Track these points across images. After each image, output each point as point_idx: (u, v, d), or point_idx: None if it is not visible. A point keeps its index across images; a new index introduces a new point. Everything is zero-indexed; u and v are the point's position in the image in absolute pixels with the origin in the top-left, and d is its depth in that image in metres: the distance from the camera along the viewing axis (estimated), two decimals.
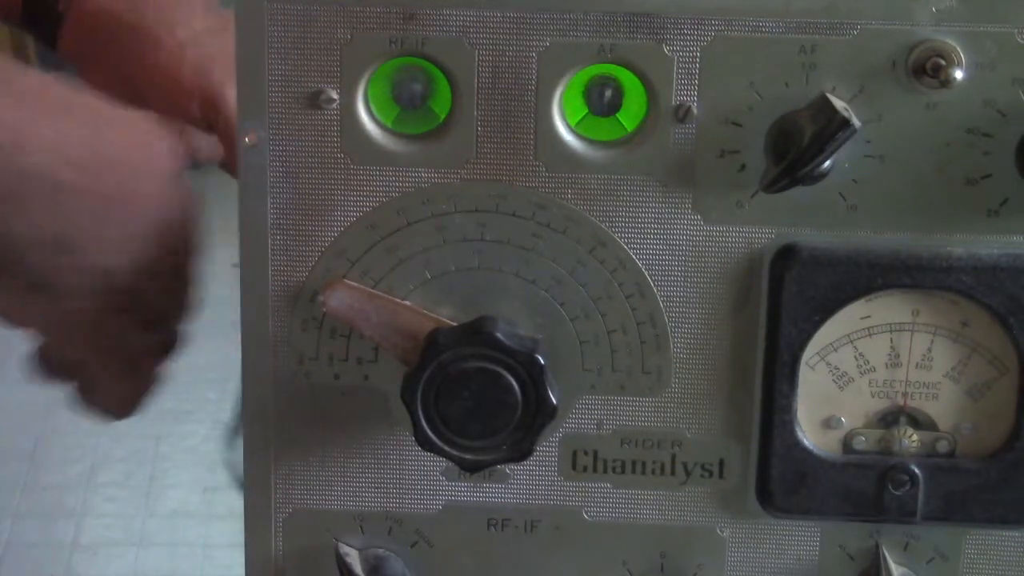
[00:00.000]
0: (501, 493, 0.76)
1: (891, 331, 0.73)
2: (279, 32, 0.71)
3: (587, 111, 0.72)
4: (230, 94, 0.86)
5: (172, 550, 2.35)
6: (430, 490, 0.77)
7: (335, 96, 0.72)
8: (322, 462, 0.76)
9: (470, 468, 0.73)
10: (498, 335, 0.71)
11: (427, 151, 0.72)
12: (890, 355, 0.74)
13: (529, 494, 0.76)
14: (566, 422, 0.75)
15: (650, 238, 0.73)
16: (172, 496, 2.49)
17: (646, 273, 0.73)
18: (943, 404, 0.74)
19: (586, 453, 0.76)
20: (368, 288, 0.74)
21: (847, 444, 0.75)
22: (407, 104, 0.72)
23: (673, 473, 0.76)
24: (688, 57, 0.70)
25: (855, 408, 0.75)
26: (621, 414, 0.75)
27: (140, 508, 2.45)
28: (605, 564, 0.77)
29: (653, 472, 0.76)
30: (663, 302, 0.73)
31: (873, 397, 0.74)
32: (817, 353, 0.74)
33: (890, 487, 0.74)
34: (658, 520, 0.76)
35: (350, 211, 0.73)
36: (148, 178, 0.77)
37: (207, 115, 0.88)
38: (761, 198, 0.72)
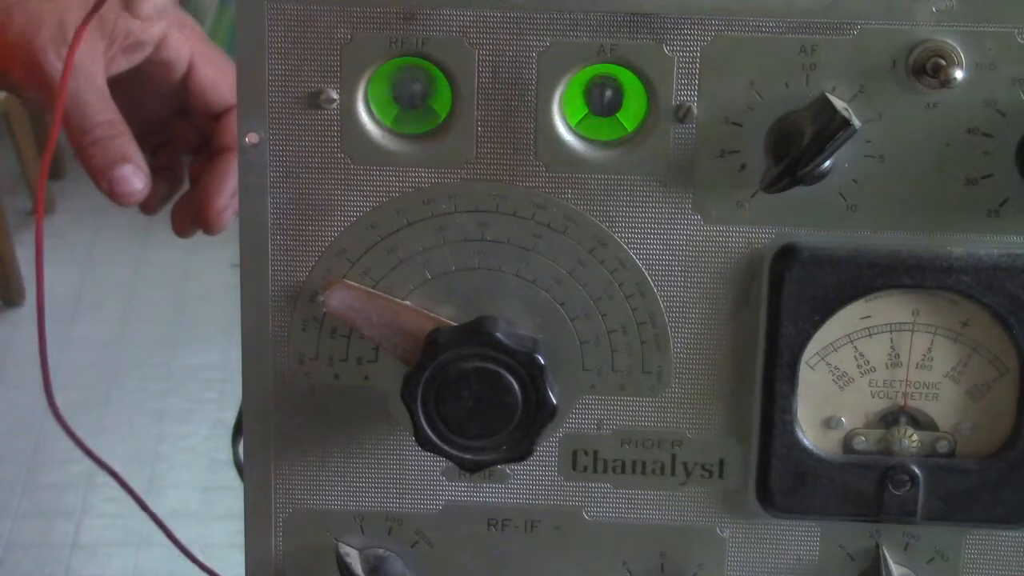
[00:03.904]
0: (501, 493, 0.76)
1: (891, 331, 0.73)
2: (279, 32, 0.71)
3: (587, 111, 0.72)
4: (52, 59, 0.86)
5: (172, 550, 2.35)
6: (430, 490, 0.77)
7: (335, 96, 0.71)
8: (322, 462, 0.76)
9: (470, 468, 0.73)
10: (498, 335, 0.71)
11: (427, 151, 0.72)
12: (890, 355, 0.74)
13: (529, 494, 0.76)
14: (566, 422, 0.75)
15: (650, 238, 0.73)
16: (172, 496, 2.48)
17: (646, 273, 0.73)
18: (943, 404, 0.74)
19: (586, 453, 0.76)
20: (368, 288, 0.74)
21: (847, 444, 0.75)
22: (407, 104, 0.72)
23: (673, 473, 0.76)
24: (688, 57, 0.70)
25: (855, 408, 0.75)
26: (621, 414, 0.75)
27: (140, 508, 2.45)
28: (605, 564, 0.77)
29: (653, 472, 0.76)
30: (663, 302, 0.73)
31: (873, 397, 0.74)
32: (817, 353, 0.74)
33: (890, 487, 0.74)
34: (658, 520, 0.76)
35: (350, 211, 0.73)
36: None
37: (31, 80, 0.87)
38: (761, 198, 0.72)
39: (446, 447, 0.72)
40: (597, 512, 0.77)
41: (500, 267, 0.73)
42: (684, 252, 0.73)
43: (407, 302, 0.74)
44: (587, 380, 0.75)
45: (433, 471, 0.76)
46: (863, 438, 0.75)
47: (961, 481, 0.74)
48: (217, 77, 0.91)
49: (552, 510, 0.77)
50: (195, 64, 0.90)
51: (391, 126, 0.73)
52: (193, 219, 0.91)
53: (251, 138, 0.72)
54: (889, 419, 0.75)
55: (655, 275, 0.73)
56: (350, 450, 0.76)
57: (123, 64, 0.88)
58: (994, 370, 0.74)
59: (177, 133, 0.94)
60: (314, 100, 0.72)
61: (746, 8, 0.70)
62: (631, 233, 0.73)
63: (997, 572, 0.76)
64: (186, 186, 0.94)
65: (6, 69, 0.87)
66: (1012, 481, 0.74)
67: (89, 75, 0.86)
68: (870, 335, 0.74)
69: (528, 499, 0.76)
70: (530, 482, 0.76)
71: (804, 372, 0.74)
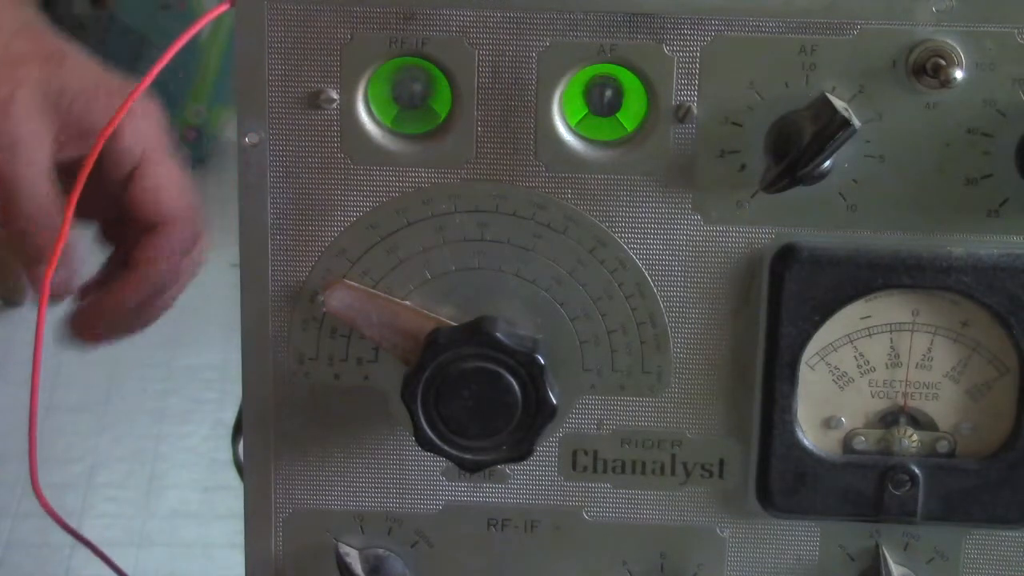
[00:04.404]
0: (501, 493, 0.76)
1: (891, 331, 0.73)
2: (279, 32, 0.71)
3: (587, 111, 0.72)
4: (19, 94, 0.79)
5: (172, 550, 2.35)
6: (430, 490, 0.77)
7: (335, 96, 0.72)
8: (322, 462, 0.76)
9: (470, 468, 0.73)
10: (498, 335, 0.71)
11: (427, 151, 0.72)
12: (890, 355, 0.74)
13: (529, 494, 0.76)
14: (566, 422, 0.75)
15: (650, 238, 0.73)
16: (172, 496, 2.48)
17: (646, 273, 0.73)
18: (943, 404, 0.74)
19: (586, 453, 0.76)
20: (368, 288, 0.74)
21: (847, 444, 0.75)
22: (407, 104, 0.72)
23: (673, 473, 0.76)
24: (688, 57, 0.70)
25: (855, 408, 0.75)
26: (621, 414, 0.75)
27: (140, 508, 2.45)
28: (605, 564, 0.77)
29: (653, 472, 0.76)
30: (663, 302, 0.73)
31: (873, 397, 0.74)
32: (817, 353, 0.74)
33: (890, 487, 0.74)
34: (658, 520, 0.76)
35: (350, 211, 0.73)
36: None
37: None
38: (761, 198, 0.72)
39: (446, 447, 0.72)
40: (597, 512, 0.77)
41: (500, 267, 0.73)
42: (684, 252, 0.73)
43: (407, 302, 0.74)
44: (587, 380, 0.75)
45: (433, 471, 0.76)
46: (863, 438, 0.75)
47: (961, 481, 0.74)
48: (162, 183, 0.82)
49: (552, 510, 0.77)
50: (145, 161, 0.82)
51: (391, 126, 0.73)
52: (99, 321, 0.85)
53: (251, 138, 0.72)
54: (889, 419, 0.75)
55: (655, 275, 0.73)
56: (350, 450, 0.76)
57: (74, 152, 0.81)
58: (994, 370, 0.74)
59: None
60: (314, 100, 0.72)
61: (746, 8, 0.70)
62: (631, 233, 0.73)
63: (997, 572, 0.76)
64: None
65: None
66: (1012, 481, 0.74)
67: (29, 159, 0.79)
68: (870, 335, 0.74)
69: (528, 499, 0.76)
70: (530, 482, 0.76)
71: (804, 372, 0.74)
